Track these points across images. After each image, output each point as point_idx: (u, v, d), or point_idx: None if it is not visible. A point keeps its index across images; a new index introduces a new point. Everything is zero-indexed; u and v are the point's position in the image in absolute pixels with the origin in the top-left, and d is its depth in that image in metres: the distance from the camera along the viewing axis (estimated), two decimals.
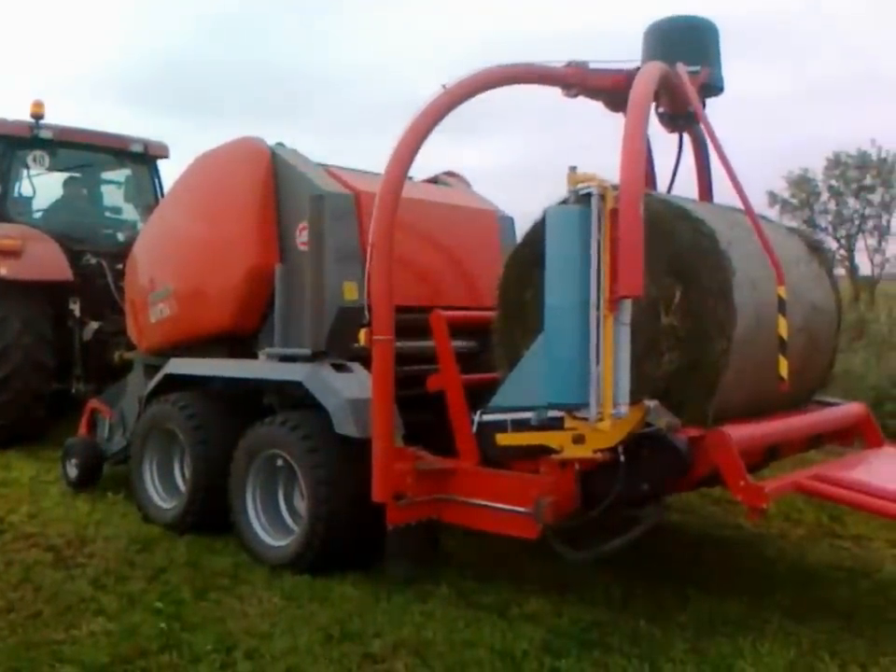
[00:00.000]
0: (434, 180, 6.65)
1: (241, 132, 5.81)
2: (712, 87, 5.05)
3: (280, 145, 5.66)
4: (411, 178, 5.60)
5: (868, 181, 37.56)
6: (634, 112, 4.16)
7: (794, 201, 39.28)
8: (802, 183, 38.93)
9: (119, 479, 6.56)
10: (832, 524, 6.03)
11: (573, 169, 4.06)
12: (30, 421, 8.12)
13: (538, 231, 4.70)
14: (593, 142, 4.11)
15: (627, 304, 3.93)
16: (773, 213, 34.09)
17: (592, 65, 4.85)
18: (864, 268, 37.50)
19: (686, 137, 5.29)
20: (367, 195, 5.03)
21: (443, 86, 4.60)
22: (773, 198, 38.35)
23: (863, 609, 4.47)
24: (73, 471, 6.67)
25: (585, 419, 3.97)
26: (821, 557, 5.41)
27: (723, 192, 5.26)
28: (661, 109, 5.13)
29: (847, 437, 5.41)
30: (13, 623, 4.14)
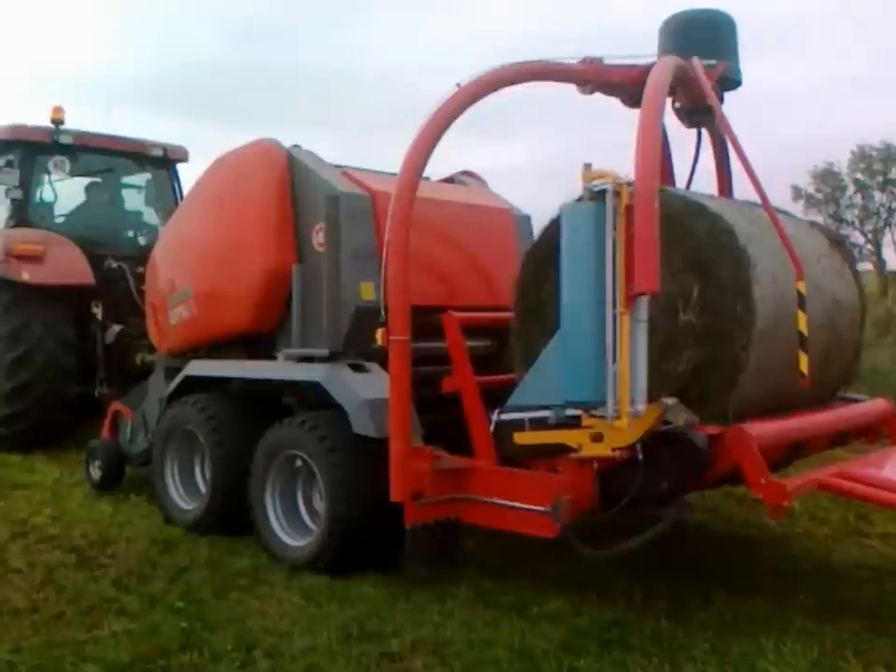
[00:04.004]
0: (450, 180, 6.64)
1: (267, 134, 5.82)
2: (730, 80, 4.99)
3: (296, 146, 5.68)
4: (427, 178, 5.59)
5: (894, 174, 37.04)
6: (648, 106, 4.12)
7: (819, 195, 38.81)
8: (827, 177, 38.47)
9: (141, 480, 6.63)
10: (858, 522, 5.94)
11: (587, 166, 4.03)
12: (53, 424, 8.21)
13: (553, 229, 4.68)
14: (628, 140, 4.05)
15: (643, 301, 3.89)
16: (798, 208, 33.70)
17: (607, 61, 4.81)
18: (892, 262, 37.00)
19: (705, 132, 5.24)
20: (383, 195, 5.03)
21: (458, 84, 4.58)
22: (797, 192, 37.96)
23: (889, 609, 4.39)
24: (96, 473, 6.75)
25: (602, 417, 3.94)
26: (847, 556, 5.33)
27: (744, 187, 5.20)
28: (678, 105, 5.08)
29: (873, 433, 5.33)
30: (37, 623, 4.19)
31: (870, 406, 5.35)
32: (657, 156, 4.10)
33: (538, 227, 5.27)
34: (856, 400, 5.38)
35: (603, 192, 3.95)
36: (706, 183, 5.30)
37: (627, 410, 3.87)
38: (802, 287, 4.22)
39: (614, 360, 3.89)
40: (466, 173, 6.72)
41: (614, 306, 3.89)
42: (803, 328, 4.21)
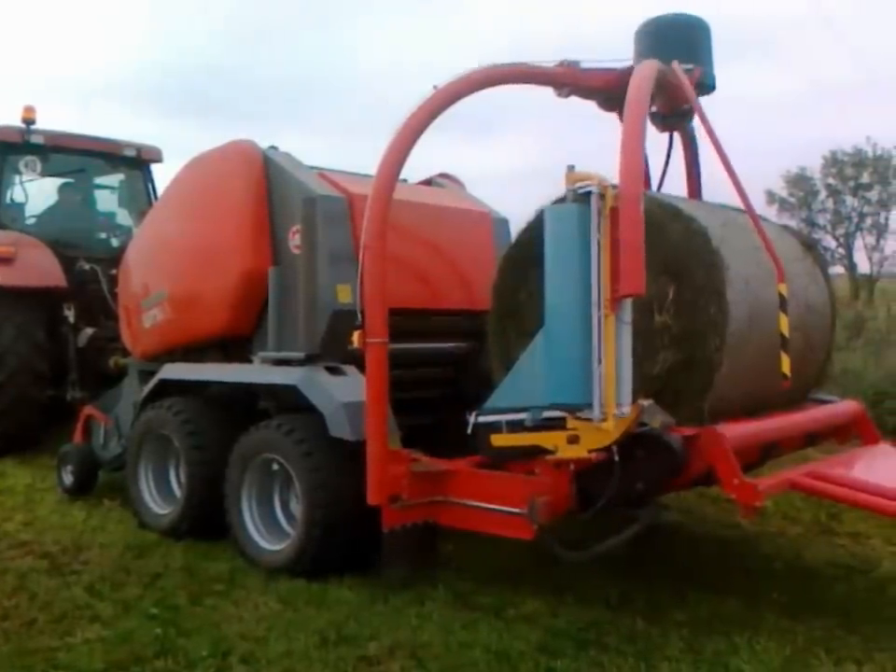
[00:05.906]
0: (428, 182, 6.64)
1: (245, 135, 5.79)
2: (704, 85, 5.05)
3: (273, 148, 5.65)
4: (405, 181, 5.59)
5: (865, 179, 37.59)
6: (632, 111, 4.14)
7: (792, 199, 39.29)
8: (800, 182, 38.95)
9: (114, 485, 6.55)
10: (829, 521, 6.03)
11: (571, 168, 4.05)
12: (25, 428, 8.08)
13: (531, 231, 4.70)
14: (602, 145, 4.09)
15: (628, 303, 3.92)
16: (771, 212, 34.13)
17: (584, 65, 4.84)
18: (863, 266, 37.57)
19: (676, 136, 5.29)
20: (359, 198, 5.02)
21: (434, 87, 4.59)
22: (771, 197, 38.39)
23: (860, 606, 4.46)
24: (68, 478, 6.66)
25: (589, 420, 3.95)
26: (818, 555, 5.40)
27: (713, 190, 5.27)
28: (654, 109, 5.12)
29: (844, 434, 5.41)
30: (8, 631, 4.12)
31: (841, 407, 5.43)
32: (642, 159, 4.13)
33: (515, 230, 5.29)
34: (827, 402, 5.46)
35: (588, 194, 3.96)
36: (675, 186, 5.36)
37: (613, 411, 3.89)
38: (783, 289, 4.27)
39: (599, 362, 3.91)
40: (443, 175, 6.73)
41: (599, 308, 3.91)
42: (784, 329, 4.25)
